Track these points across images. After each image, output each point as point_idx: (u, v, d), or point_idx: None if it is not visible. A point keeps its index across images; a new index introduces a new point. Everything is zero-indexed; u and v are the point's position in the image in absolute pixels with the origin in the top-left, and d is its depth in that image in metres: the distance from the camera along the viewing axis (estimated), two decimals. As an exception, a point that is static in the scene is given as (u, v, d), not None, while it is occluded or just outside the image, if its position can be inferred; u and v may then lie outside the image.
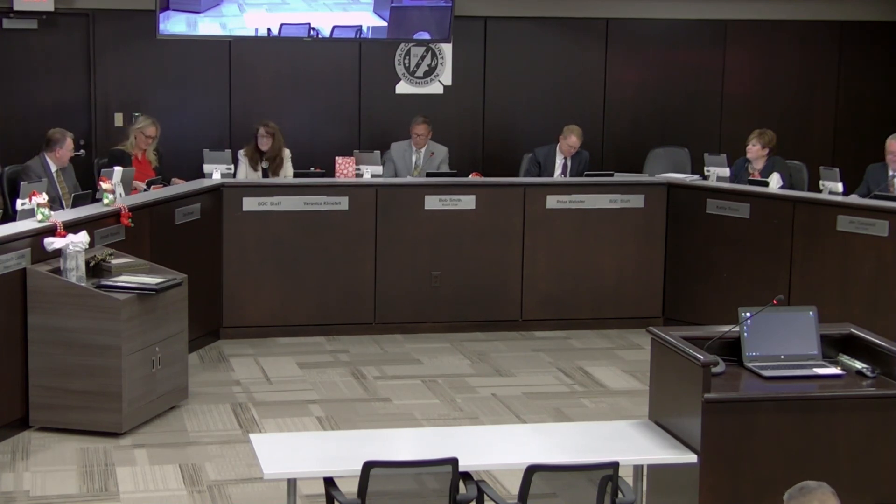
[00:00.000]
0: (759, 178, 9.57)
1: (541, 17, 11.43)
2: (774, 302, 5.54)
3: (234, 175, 9.60)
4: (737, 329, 5.47)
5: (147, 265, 7.58)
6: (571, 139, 10.24)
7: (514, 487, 4.86)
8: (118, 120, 10.57)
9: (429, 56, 11.26)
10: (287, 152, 9.96)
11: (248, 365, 8.62)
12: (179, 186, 9.18)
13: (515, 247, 9.55)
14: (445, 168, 10.30)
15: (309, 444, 5.42)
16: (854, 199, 8.96)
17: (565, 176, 10.25)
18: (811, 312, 5.54)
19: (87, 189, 8.70)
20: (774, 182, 9.55)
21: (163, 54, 10.64)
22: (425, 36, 10.45)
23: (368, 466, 4.64)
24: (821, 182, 9.21)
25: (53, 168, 8.95)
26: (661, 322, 9.57)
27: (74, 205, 8.11)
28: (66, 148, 8.98)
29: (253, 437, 5.32)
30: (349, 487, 4.77)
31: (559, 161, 10.33)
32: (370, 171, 9.52)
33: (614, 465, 4.77)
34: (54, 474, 6.51)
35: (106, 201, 8.01)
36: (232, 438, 7.08)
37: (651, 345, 5.62)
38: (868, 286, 8.55)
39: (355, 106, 11.19)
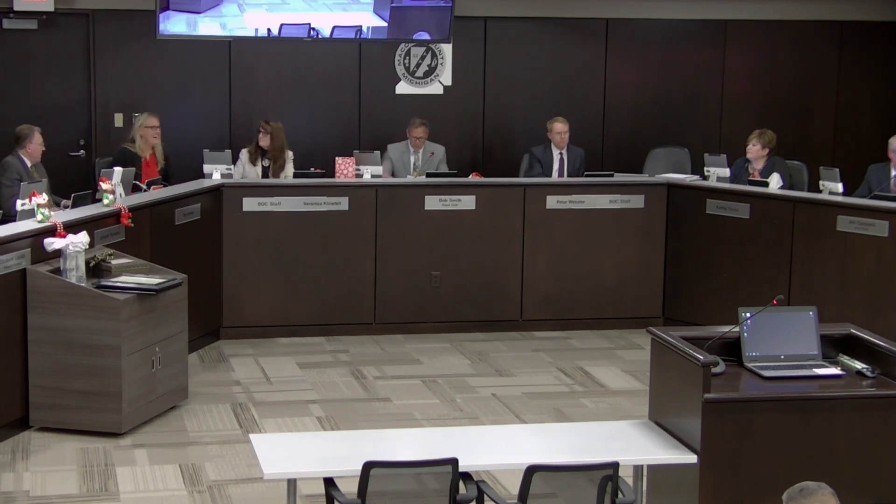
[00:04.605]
0: (759, 178, 9.57)
1: (541, 17, 11.43)
2: (774, 302, 5.54)
3: (233, 171, 9.60)
4: (737, 329, 5.47)
5: (147, 265, 7.58)
6: (557, 126, 10.27)
7: (514, 487, 4.86)
8: (118, 120, 10.57)
9: (429, 56, 11.26)
10: (290, 154, 9.95)
11: (248, 365, 8.62)
12: (179, 186, 9.17)
13: (515, 247, 9.55)
14: (444, 167, 10.31)
15: (309, 444, 5.43)
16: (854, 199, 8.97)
17: (563, 171, 10.26)
18: (811, 312, 5.55)
19: (86, 189, 8.69)
20: (774, 182, 9.55)
21: (163, 54, 10.63)
22: (425, 36, 10.45)
23: (368, 466, 4.64)
24: (821, 182, 9.22)
25: (28, 164, 8.97)
26: (661, 322, 9.57)
27: (74, 205, 8.10)
28: (36, 142, 8.99)
29: (253, 437, 5.33)
30: (349, 487, 4.77)
31: (556, 156, 10.34)
32: (370, 172, 9.52)
33: (614, 465, 4.77)
34: (54, 474, 6.51)
35: (106, 201, 8.01)
36: (232, 438, 7.08)
37: (651, 345, 5.62)
38: (868, 286, 8.55)
39: (355, 106, 11.19)
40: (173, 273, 7.52)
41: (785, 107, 11.85)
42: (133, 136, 9.67)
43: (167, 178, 9.74)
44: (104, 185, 8.08)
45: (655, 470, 5.49)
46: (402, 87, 11.26)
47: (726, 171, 9.79)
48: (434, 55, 11.26)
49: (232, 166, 9.55)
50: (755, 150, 9.71)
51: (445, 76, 11.32)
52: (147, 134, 9.61)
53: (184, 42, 10.31)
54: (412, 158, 10.38)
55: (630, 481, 5.16)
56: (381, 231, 9.37)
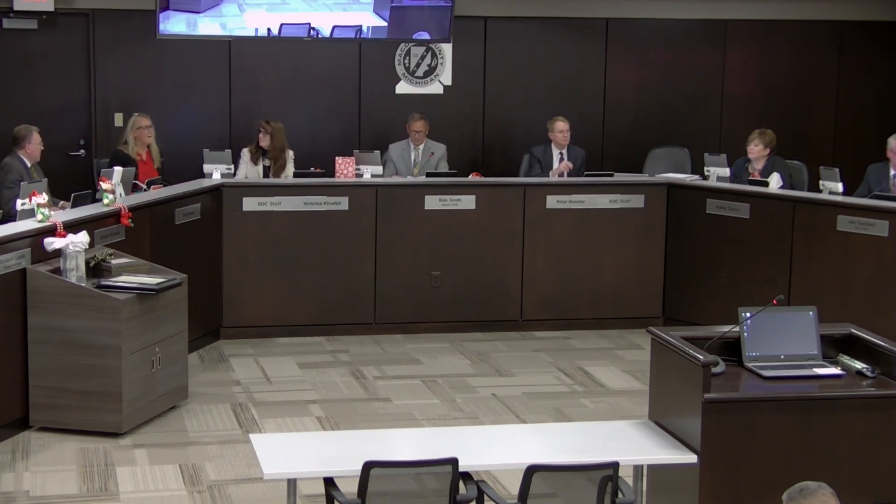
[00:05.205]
0: (759, 178, 9.57)
1: (541, 17, 11.43)
2: (774, 302, 5.54)
3: (235, 172, 9.61)
4: (737, 329, 5.47)
5: (147, 265, 7.58)
6: (558, 125, 10.26)
7: (514, 487, 4.86)
8: (118, 120, 10.57)
9: (429, 56, 11.26)
10: (290, 153, 9.97)
11: (248, 365, 8.62)
12: (179, 186, 9.17)
13: (515, 247, 9.55)
14: (444, 165, 10.32)
15: (309, 444, 5.43)
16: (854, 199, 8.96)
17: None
18: (811, 312, 5.54)
19: (86, 189, 8.70)
20: (774, 182, 9.55)
21: (163, 54, 10.63)
22: (425, 36, 10.45)
23: (368, 466, 4.64)
24: (821, 182, 9.22)
25: (28, 164, 8.98)
26: (661, 322, 9.57)
27: (74, 205, 8.11)
28: (35, 142, 9.01)
29: (253, 437, 5.32)
30: (349, 487, 4.77)
31: (556, 156, 10.34)
32: (370, 171, 9.52)
33: (614, 465, 4.77)
34: (54, 474, 6.51)
35: (106, 201, 8.01)
36: (232, 438, 7.08)
37: (651, 345, 5.62)
38: (868, 286, 8.55)
39: (355, 106, 11.19)
40: (173, 273, 7.52)
41: (785, 107, 11.85)
42: (126, 139, 9.67)
43: (164, 179, 9.76)
44: (104, 185, 8.09)
45: (655, 470, 5.49)
46: (402, 87, 11.26)
47: (726, 171, 9.79)
48: (434, 55, 11.26)
49: (232, 166, 9.55)
50: (758, 150, 9.71)
51: (445, 76, 11.32)
52: (141, 134, 9.63)
53: (184, 42, 10.31)
54: (412, 155, 10.38)
55: (630, 481, 5.16)
56: (381, 231, 9.37)
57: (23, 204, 7.58)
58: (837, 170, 9.13)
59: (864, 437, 5.18)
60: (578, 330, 9.61)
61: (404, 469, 4.77)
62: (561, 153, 10.34)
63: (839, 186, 8.98)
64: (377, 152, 9.81)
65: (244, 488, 6.34)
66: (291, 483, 4.95)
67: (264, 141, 9.89)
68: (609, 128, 11.64)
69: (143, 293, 7.13)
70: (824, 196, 9.01)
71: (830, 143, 11.98)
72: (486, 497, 4.93)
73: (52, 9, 10.25)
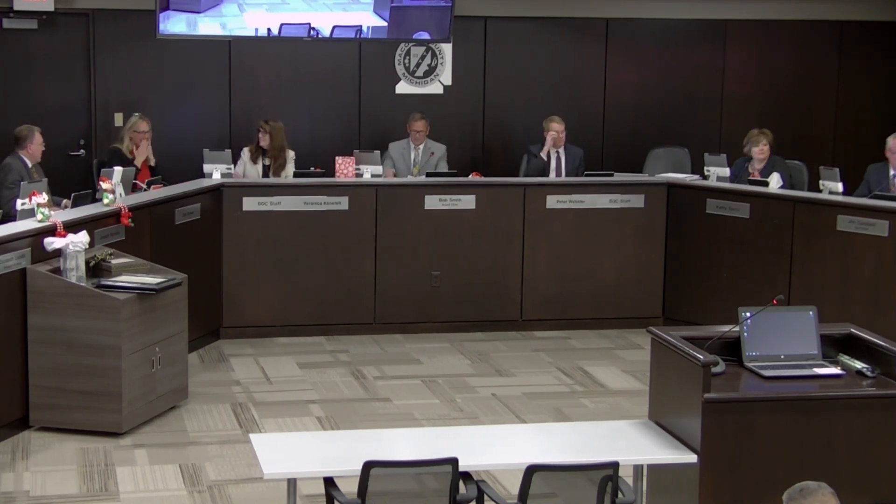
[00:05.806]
0: (759, 178, 9.57)
1: (541, 17, 11.43)
2: (774, 302, 5.54)
3: (234, 169, 9.61)
4: (737, 329, 5.47)
5: (147, 265, 7.58)
6: (554, 126, 10.25)
7: (514, 487, 4.86)
8: (118, 120, 10.56)
9: (429, 56, 11.26)
10: (291, 153, 9.97)
11: (248, 365, 8.62)
12: (179, 186, 9.17)
13: (515, 247, 9.55)
14: (444, 165, 10.32)
15: (309, 444, 5.43)
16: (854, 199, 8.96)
17: (560, 170, 10.25)
18: (811, 312, 5.55)
19: (86, 189, 8.70)
20: (774, 182, 9.55)
21: (163, 54, 10.63)
22: (425, 36, 10.45)
23: (368, 466, 4.64)
24: (821, 182, 9.22)
25: (29, 164, 8.98)
26: (661, 322, 9.57)
27: (75, 205, 8.11)
28: (37, 143, 9.01)
29: (253, 437, 5.33)
30: (349, 487, 4.77)
31: (552, 155, 10.33)
32: (370, 171, 9.52)
33: (614, 465, 4.77)
34: (54, 474, 6.51)
35: (106, 201, 8.01)
36: (232, 438, 7.08)
37: (651, 345, 5.62)
38: (868, 286, 8.55)
39: (355, 106, 11.19)
40: (173, 273, 7.52)
41: (785, 107, 11.85)
42: (122, 136, 9.70)
43: (163, 179, 9.76)
44: (104, 185, 8.09)
45: (655, 470, 5.49)
46: (402, 87, 11.26)
47: (726, 171, 9.79)
48: (434, 55, 11.26)
49: (232, 166, 9.56)
50: (766, 150, 9.71)
51: (445, 76, 11.32)
52: (136, 137, 9.65)
53: (184, 42, 10.31)
54: (412, 155, 10.38)
55: (630, 481, 5.16)
56: (381, 231, 9.37)
57: (23, 204, 7.58)
58: (837, 170, 9.14)
59: (864, 437, 5.18)
60: (578, 330, 9.61)
61: (404, 469, 4.78)
62: (558, 152, 10.32)
63: (839, 186, 8.98)
64: (377, 152, 9.81)
65: (244, 488, 6.34)
66: (291, 483, 4.95)
67: (263, 140, 9.90)
68: (609, 128, 11.63)
69: (143, 293, 7.13)
70: (824, 196, 9.01)
71: (830, 143, 11.98)
72: (486, 497, 4.93)
73: (52, 9, 10.24)
